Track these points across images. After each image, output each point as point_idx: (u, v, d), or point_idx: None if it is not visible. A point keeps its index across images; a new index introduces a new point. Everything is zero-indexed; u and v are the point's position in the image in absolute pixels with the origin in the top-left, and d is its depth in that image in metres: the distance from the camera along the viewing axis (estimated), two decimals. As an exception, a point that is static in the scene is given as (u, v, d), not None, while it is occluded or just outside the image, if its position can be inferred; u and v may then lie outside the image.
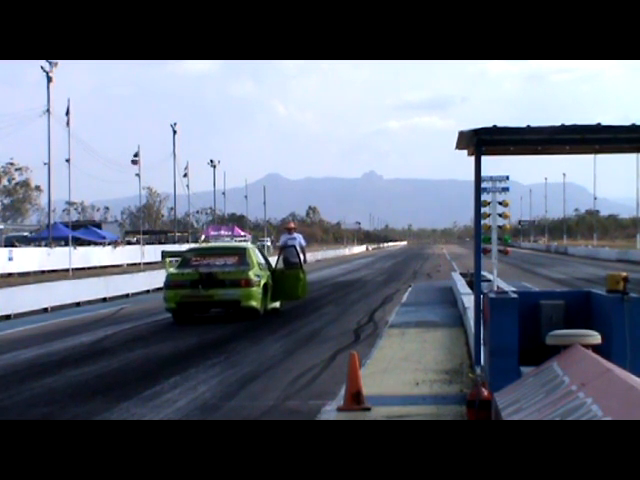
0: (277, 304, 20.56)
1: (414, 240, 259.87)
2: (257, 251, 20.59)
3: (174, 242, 75.90)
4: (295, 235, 23.91)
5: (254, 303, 18.71)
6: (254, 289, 18.75)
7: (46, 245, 53.58)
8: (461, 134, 8.51)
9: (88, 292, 25.93)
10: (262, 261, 20.13)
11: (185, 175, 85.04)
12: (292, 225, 25.55)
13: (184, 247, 25.48)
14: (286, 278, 20.00)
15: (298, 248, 23.21)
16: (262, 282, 19.13)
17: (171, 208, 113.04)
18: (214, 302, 18.92)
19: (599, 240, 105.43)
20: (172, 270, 19.41)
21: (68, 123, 52.75)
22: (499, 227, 15.86)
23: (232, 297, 18.61)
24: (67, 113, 52.90)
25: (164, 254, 21.13)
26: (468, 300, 15.01)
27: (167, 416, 8.85)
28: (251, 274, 18.79)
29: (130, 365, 12.47)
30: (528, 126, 8.30)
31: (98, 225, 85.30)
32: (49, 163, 51.85)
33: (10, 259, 42.31)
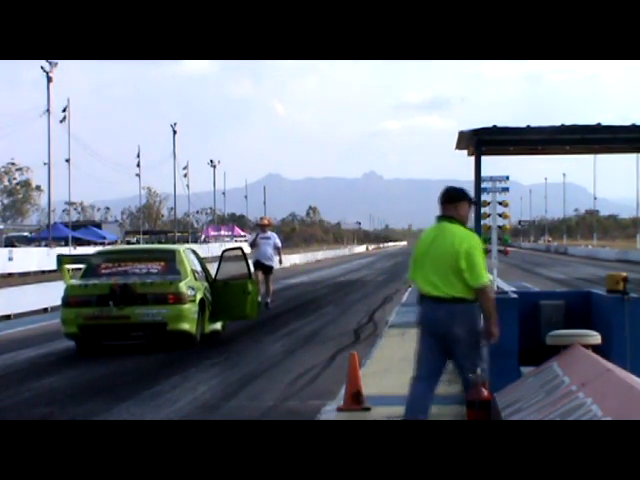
0: (218, 325, 15.51)
1: (414, 240, 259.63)
2: (192, 255, 15.55)
3: (174, 242, 75.92)
4: (270, 234, 21.24)
5: (186, 326, 13.82)
6: (186, 306, 13.82)
7: (46, 245, 53.60)
8: (461, 134, 8.51)
9: (88, 292, 25.83)
10: (198, 268, 15.20)
11: (185, 175, 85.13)
12: (266, 222, 22.51)
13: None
14: (229, 291, 14.95)
15: (272, 249, 20.88)
16: (198, 297, 14.21)
17: (171, 208, 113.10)
18: (131, 325, 13.85)
19: (599, 240, 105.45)
20: (72, 282, 14.28)
21: (63, 120, 52.84)
22: (499, 227, 15.86)
23: (156, 318, 13.70)
24: (64, 111, 53.00)
25: (61, 259, 15.11)
26: (468, 300, 14.98)
27: (167, 416, 8.84)
28: (182, 286, 13.91)
29: (130, 365, 12.47)
30: (528, 126, 8.30)
31: (98, 225, 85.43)
32: (49, 163, 51.98)
33: (10, 259, 42.29)
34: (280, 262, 22.23)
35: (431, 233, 6.97)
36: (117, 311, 13.63)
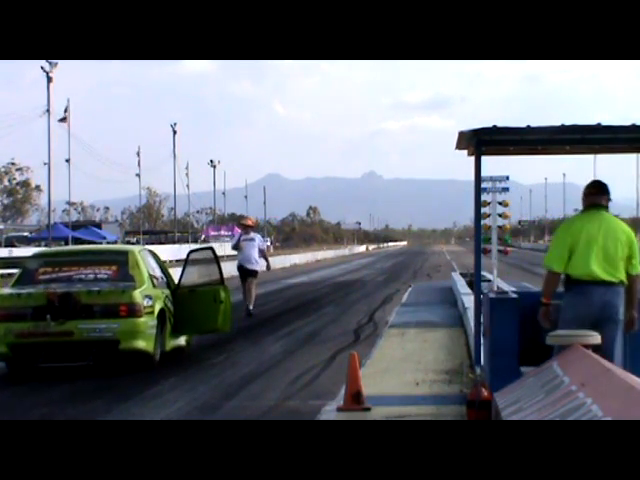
0: (182, 341, 13.24)
1: (415, 240, 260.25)
2: (150, 257, 13.14)
3: (174, 242, 75.97)
4: (253, 235, 19.71)
5: (142, 343, 11.53)
6: (142, 320, 11.54)
7: (46, 245, 53.62)
8: (461, 134, 8.50)
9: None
10: (158, 273, 12.92)
11: (186, 175, 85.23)
12: (250, 222, 20.68)
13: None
14: (197, 300, 12.74)
15: (257, 251, 19.34)
16: (156, 308, 11.96)
17: (171, 208, 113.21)
18: (74, 343, 11.38)
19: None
20: (2, 291, 12.31)
21: (63, 119, 52.94)
22: (499, 227, 15.87)
23: (105, 334, 11.36)
24: (64, 114, 53.10)
25: None
26: (468, 300, 15.01)
27: (167, 416, 8.85)
28: (137, 295, 11.61)
29: (130, 365, 12.45)
30: (528, 126, 8.28)
31: (98, 225, 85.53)
32: (49, 163, 52.04)
33: (10, 259, 42.31)
34: (268, 268, 20.71)
35: (596, 222, 7.18)
36: (56, 326, 11.26)
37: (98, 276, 12.16)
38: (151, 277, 12.36)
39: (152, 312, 11.82)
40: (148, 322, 11.67)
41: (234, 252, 20.35)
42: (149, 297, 11.86)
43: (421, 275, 39.69)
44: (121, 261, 12.41)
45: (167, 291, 12.77)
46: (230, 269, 25.12)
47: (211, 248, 13.74)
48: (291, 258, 58.98)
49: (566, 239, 7.16)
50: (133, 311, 11.49)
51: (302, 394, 9.92)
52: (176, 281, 13.22)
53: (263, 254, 19.78)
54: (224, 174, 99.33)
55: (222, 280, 12.87)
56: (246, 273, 19.25)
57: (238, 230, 20.92)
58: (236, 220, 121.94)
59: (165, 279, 13.12)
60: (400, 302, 22.37)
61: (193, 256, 13.46)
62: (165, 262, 14.55)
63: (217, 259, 13.12)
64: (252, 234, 19.69)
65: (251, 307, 19.15)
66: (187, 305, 12.73)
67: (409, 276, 38.62)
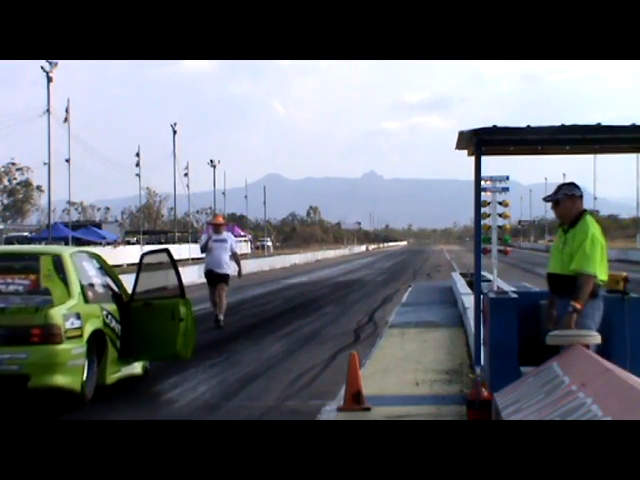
0: (137, 367, 10.72)
1: (415, 240, 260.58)
2: (88, 262, 10.33)
3: (174, 242, 75.98)
4: (225, 235, 17.05)
5: (61, 379, 8.81)
6: (62, 347, 8.80)
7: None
8: (461, 134, 8.50)
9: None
10: (98, 281, 10.25)
11: (185, 175, 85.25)
12: (221, 220, 17.84)
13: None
14: (151, 316, 10.21)
15: (228, 254, 16.80)
16: (88, 330, 9.25)
17: (171, 208, 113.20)
18: None
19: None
20: None
21: (65, 120, 53.03)
22: (499, 227, 15.86)
23: (9, 368, 8.60)
24: (66, 112, 53.18)
25: None
26: (468, 300, 15.01)
27: (167, 416, 8.84)
28: (55, 314, 8.83)
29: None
30: (528, 126, 8.29)
31: (98, 225, 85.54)
32: (49, 163, 51.99)
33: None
34: (239, 274, 17.61)
35: None
36: None
37: (10, 288, 9.31)
38: (84, 289, 9.59)
39: (80, 336, 9.10)
40: (71, 350, 8.92)
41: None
42: (76, 316, 9.12)
43: (421, 275, 39.70)
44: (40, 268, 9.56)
45: (112, 306, 10.08)
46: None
47: (166, 250, 11.00)
48: (291, 258, 59.02)
49: (604, 246, 7.31)
50: (49, 336, 8.73)
51: (302, 394, 9.92)
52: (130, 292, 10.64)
53: (235, 257, 17.11)
54: (224, 174, 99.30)
55: (183, 292, 10.36)
56: (215, 279, 16.73)
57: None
58: (236, 220, 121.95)
59: (118, 289, 10.52)
60: (400, 302, 22.38)
61: (148, 259, 10.87)
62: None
63: (175, 264, 10.57)
64: (224, 234, 17.10)
65: (221, 317, 16.71)
66: (141, 323, 10.21)
67: (409, 276, 38.63)
